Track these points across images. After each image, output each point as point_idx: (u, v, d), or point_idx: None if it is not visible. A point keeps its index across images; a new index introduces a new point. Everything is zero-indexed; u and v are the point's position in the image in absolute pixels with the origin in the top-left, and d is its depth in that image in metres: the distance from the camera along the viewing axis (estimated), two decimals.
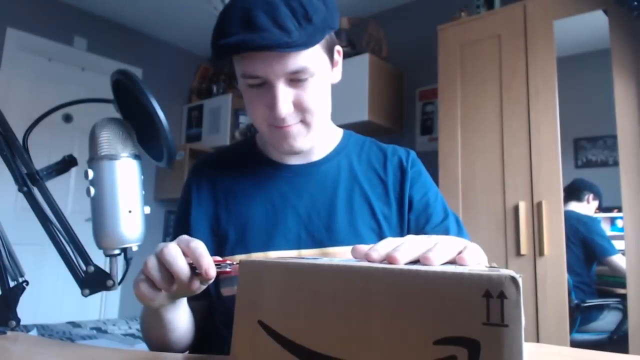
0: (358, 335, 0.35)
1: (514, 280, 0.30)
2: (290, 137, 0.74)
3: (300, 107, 0.71)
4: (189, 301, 0.77)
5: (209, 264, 0.51)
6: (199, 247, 0.52)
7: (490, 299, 0.30)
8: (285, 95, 0.69)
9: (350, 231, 0.77)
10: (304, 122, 0.73)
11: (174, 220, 0.87)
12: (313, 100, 0.72)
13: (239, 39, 0.65)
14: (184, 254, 0.53)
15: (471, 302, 0.31)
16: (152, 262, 0.53)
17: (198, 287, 0.55)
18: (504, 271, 0.32)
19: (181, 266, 0.52)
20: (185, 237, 0.55)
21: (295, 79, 0.69)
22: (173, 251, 0.52)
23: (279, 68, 0.67)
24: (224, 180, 0.83)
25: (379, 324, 0.34)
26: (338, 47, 0.78)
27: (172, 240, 0.82)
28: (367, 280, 0.35)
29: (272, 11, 0.65)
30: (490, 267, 0.38)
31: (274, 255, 0.76)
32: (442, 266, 0.37)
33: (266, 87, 0.70)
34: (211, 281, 0.55)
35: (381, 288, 0.34)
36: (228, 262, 0.54)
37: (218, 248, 0.78)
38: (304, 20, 0.66)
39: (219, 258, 0.55)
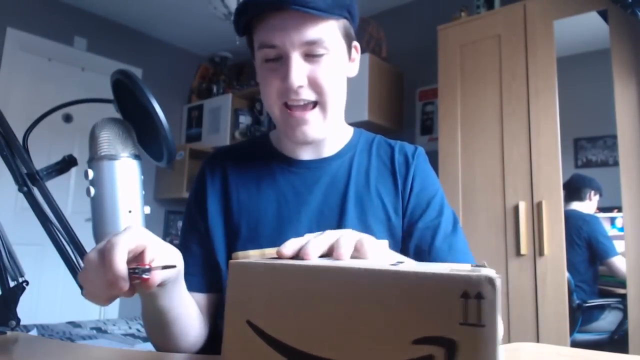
0: (341, 335, 0.35)
1: (491, 280, 0.31)
2: (305, 124, 0.73)
3: (314, 84, 0.71)
4: (197, 293, 0.78)
5: (117, 277, 0.47)
6: (112, 256, 0.47)
7: (468, 299, 0.31)
8: (299, 66, 0.70)
9: (361, 225, 0.78)
10: (320, 104, 0.73)
11: (187, 204, 0.86)
12: (328, 78, 0.72)
13: None
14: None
15: (449, 302, 0.31)
16: (90, 265, 0.49)
17: (131, 293, 0.50)
18: (485, 271, 0.33)
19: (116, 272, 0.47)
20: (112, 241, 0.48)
21: (311, 53, 0.70)
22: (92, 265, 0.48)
23: (296, 37, 0.68)
24: (236, 174, 0.84)
25: (361, 323, 0.35)
26: (356, 44, 0.80)
27: (186, 228, 0.83)
28: (348, 280, 0.36)
29: None
30: (476, 266, 0.39)
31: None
32: (422, 266, 0.38)
33: (281, 62, 0.71)
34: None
35: (363, 287, 0.35)
36: (147, 266, 0.49)
37: (230, 242, 0.79)
38: None
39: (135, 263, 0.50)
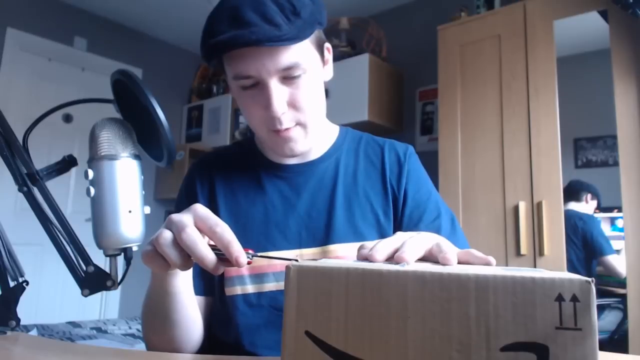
0: (419, 345, 0.33)
1: (586, 283, 0.30)
2: (291, 141, 0.74)
3: (295, 107, 0.71)
4: (196, 296, 0.76)
5: (239, 252, 0.48)
6: (226, 232, 0.49)
7: (563, 302, 0.30)
8: (279, 93, 0.69)
9: (350, 228, 0.77)
10: (301, 124, 0.73)
11: (177, 208, 0.84)
12: (308, 98, 0.72)
13: (229, 35, 0.65)
14: (204, 233, 0.49)
15: (543, 306, 0.31)
16: (166, 240, 0.49)
17: (221, 271, 0.51)
18: (571, 275, 0.32)
19: (204, 252, 0.48)
20: (204, 213, 0.50)
21: (288, 77, 0.69)
22: (193, 236, 0.48)
23: (271, 65, 0.67)
24: (223, 181, 0.83)
25: (442, 332, 0.33)
26: (327, 45, 0.79)
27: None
28: (432, 286, 0.33)
29: (260, 7, 0.65)
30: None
31: (275, 254, 0.76)
32: (511, 271, 0.35)
33: (259, 88, 0.70)
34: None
35: (445, 294, 0.33)
36: (250, 252, 0.50)
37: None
38: (292, 15, 0.66)
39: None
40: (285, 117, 0.71)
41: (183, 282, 0.63)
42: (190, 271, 0.63)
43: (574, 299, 0.30)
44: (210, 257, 0.48)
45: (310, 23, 0.68)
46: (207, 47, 0.68)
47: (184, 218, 0.50)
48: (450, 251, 0.42)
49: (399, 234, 0.47)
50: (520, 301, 0.31)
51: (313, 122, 0.75)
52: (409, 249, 0.42)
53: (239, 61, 0.68)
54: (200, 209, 0.51)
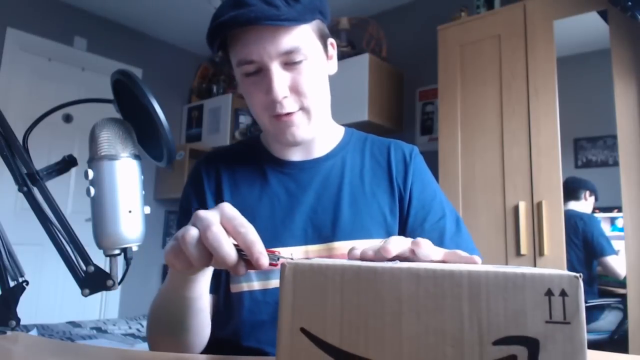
0: (414, 340, 0.34)
1: (574, 278, 0.31)
2: (293, 126, 0.74)
3: (297, 92, 0.72)
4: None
5: (261, 253, 0.47)
6: (250, 233, 0.48)
7: (552, 297, 0.31)
8: (280, 77, 0.70)
9: (356, 225, 0.77)
10: (303, 109, 0.74)
11: (184, 204, 0.84)
12: (309, 84, 0.73)
13: (229, 16, 0.68)
14: (229, 233, 0.48)
15: (534, 301, 0.32)
16: (192, 237, 0.48)
17: (244, 272, 0.49)
18: (560, 271, 0.33)
19: (228, 252, 0.47)
20: (231, 213, 0.49)
21: (290, 62, 0.71)
22: (218, 235, 0.47)
23: (272, 48, 0.69)
24: (228, 176, 0.84)
25: (436, 327, 0.33)
26: (332, 40, 0.80)
27: (180, 222, 0.82)
28: (425, 282, 0.34)
29: None
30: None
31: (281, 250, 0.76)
32: (502, 268, 0.36)
33: (262, 75, 0.71)
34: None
35: (439, 290, 0.34)
36: (276, 253, 0.49)
37: None
38: (291, 1, 0.69)
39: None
40: (287, 102, 0.72)
41: (205, 286, 0.63)
42: (209, 275, 0.62)
43: (563, 293, 0.31)
44: (232, 257, 0.47)
45: (311, 9, 0.70)
46: (210, 30, 0.71)
47: (211, 216, 0.49)
48: (426, 245, 0.45)
49: (378, 241, 0.49)
50: (511, 296, 0.32)
51: (316, 109, 0.75)
52: (391, 243, 0.46)
53: (243, 46, 0.70)
54: (227, 208, 0.50)
